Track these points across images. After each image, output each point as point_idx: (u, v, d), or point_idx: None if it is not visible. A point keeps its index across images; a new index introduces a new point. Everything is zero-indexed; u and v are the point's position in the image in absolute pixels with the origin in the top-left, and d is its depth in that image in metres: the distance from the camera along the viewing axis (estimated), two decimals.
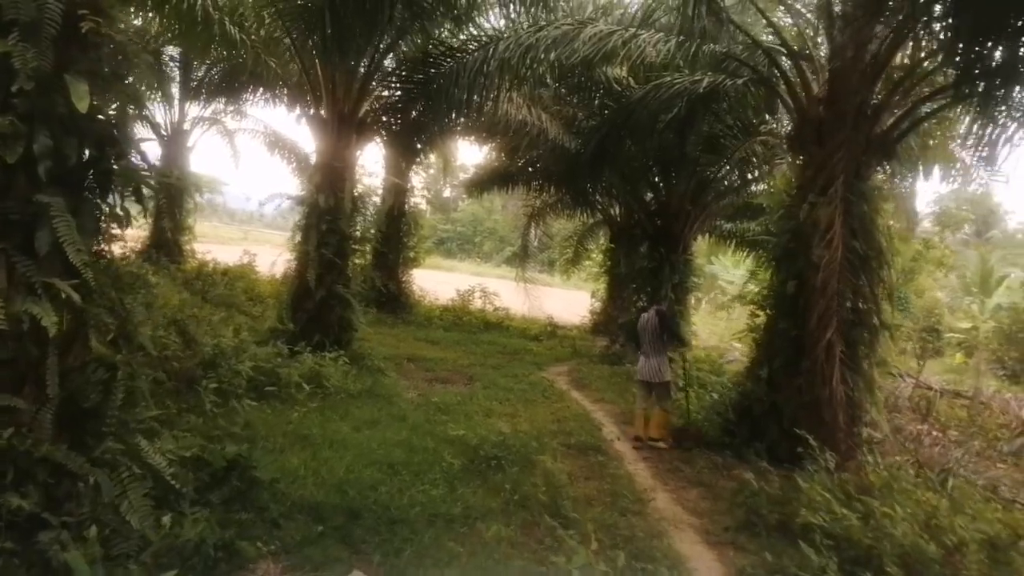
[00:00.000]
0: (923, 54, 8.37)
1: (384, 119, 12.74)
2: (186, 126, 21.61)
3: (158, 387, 7.24)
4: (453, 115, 11.97)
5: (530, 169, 20.66)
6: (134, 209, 5.45)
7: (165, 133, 21.38)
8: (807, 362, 8.14)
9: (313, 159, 13.11)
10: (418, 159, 20.89)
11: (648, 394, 9.51)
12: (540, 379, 13.39)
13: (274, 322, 12.32)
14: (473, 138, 20.66)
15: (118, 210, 5.24)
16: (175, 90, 21.12)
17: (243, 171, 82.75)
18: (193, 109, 21.59)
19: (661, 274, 15.81)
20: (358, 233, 12.74)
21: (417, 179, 21.33)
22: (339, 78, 12.08)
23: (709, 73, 10.65)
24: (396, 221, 20.24)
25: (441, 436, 8.35)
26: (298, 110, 13.71)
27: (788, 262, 8.49)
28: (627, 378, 13.45)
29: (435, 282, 27.88)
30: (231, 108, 22.16)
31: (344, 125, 12.26)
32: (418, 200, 21.45)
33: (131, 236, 19.53)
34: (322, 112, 12.35)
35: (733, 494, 7.01)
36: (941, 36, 7.31)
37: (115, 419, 4.73)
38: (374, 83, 12.61)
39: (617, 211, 21.42)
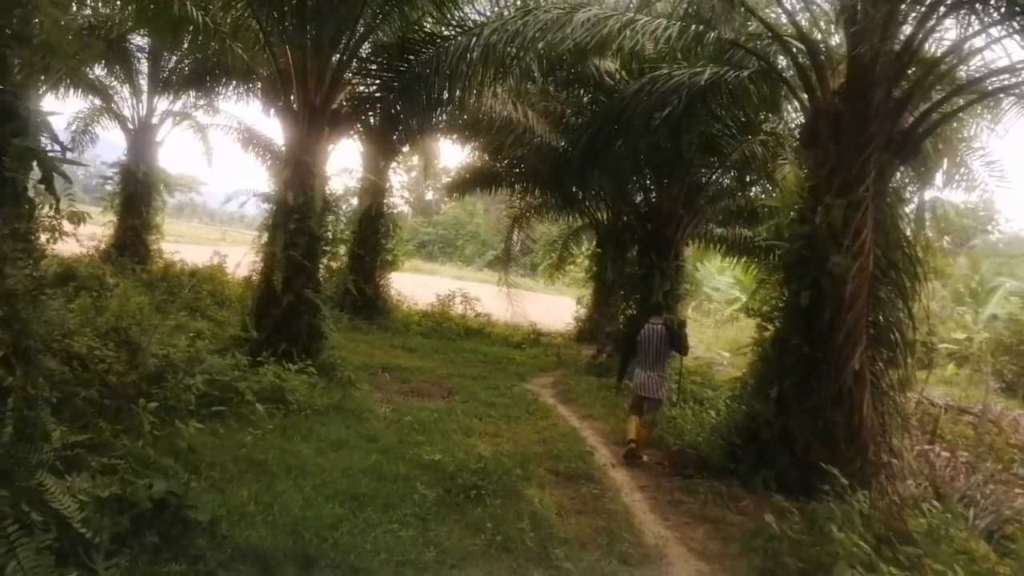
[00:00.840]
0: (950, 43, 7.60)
1: (359, 111, 11.80)
2: (154, 120, 20.56)
3: (90, 406, 6.32)
4: (433, 107, 11.06)
5: (515, 170, 19.85)
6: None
7: (132, 127, 20.35)
8: (828, 384, 7.36)
9: (283, 154, 12.21)
10: (397, 157, 20.00)
11: (641, 408, 9.01)
12: (524, 392, 12.52)
13: (237, 329, 11.40)
14: (455, 136, 19.76)
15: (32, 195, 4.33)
16: (143, 82, 20.10)
17: (223, 170, 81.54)
18: (163, 103, 20.60)
19: (651, 281, 14.99)
20: (329, 233, 11.82)
21: (396, 178, 20.40)
22: (311, 66, 11.18)
23: (711, 65, 9.85)
24: (373, 222, 19.27)
25: (415, 460, 7.48)
26: (268, 102, 12.74)
27: (801, 270, 7.67)
28: (616, 392, 12.62)
29: (415, 285, 26.97)
30: (203, 102, 21.19)
31: (315, 117, 11.35)
32: (397, 200, 20.46)
33: (96, 235, 18.57)
34: (292, 103, 11.45)
35: (746, 534, 6.17)
36: None
37: (4, 456, 3.82)
38: (350, 73, 11.72)
39: (604, 214, 20.65)
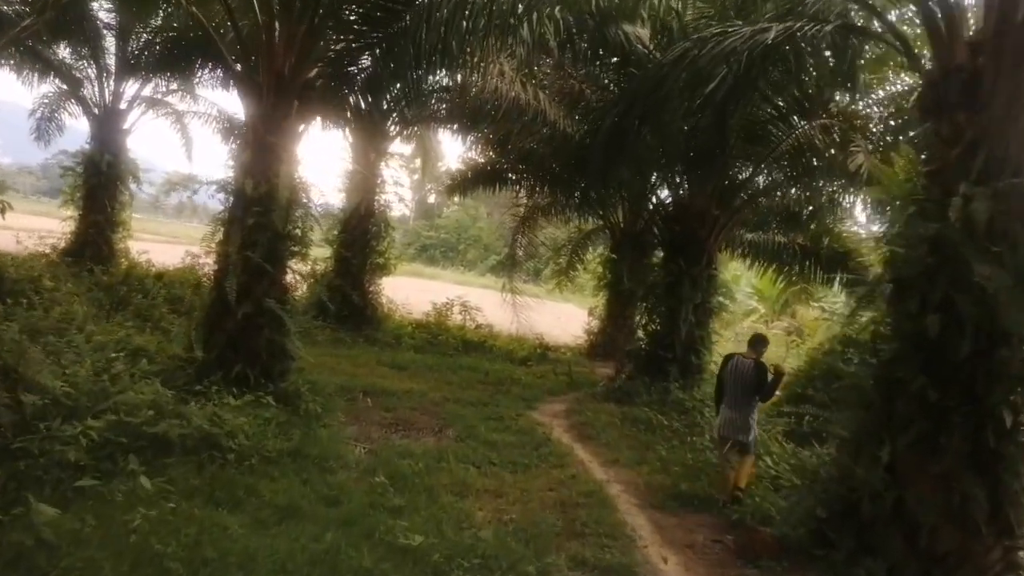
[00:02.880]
0: None
1: (336, 79, 9.71)
2: (122, 105, 18.42)
3: None
4: (423, 67, 8.96)
5: (521, 166, 17.76)
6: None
7: (97, 111, 18.23)
8: (963, 442, 5.24)
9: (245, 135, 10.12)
10: (388, 146, 17.82)
11: (727, 450, 7.75)
12: (532, 425, 10.38)
13: (183, 347, 9.36)
14: (455, 127, 17.69)
15: None
16: (111, 62, 18.01)
17: (213, 165, 79.27)
18: (133, 87, 18.46)
19: (680, 291, 12.89)
20: (298, 231, 9.69)
21: (390, 173, 18.25)
22: (280, 29, 9.14)
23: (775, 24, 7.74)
24: (363, 221, 17.12)
25: (386, 543, 5.38)
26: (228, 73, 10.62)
27: (925, 286, 5.53)
28: (643, 426, 10.50)
29: (414, 291, 24.92)
30: (177, 87, 19.11)
31: (283, 89, 9.26)
32: (390, 197, 18.33)
33: (55, 230, 16.42)
34: (254, 72, 9.37)
35: None
36: None
37: None
38: (329, 32, 9.62)
39: (621, 215, 18.54)
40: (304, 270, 10.72)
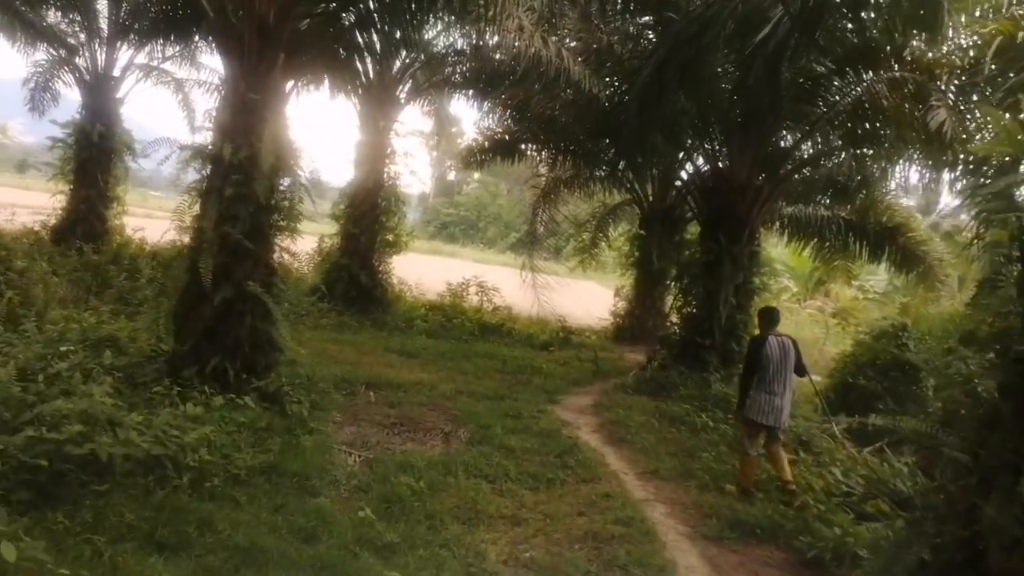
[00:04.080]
0: None
1: (328, 23, 8.38)
2: (116, 72, 17.16)
3: None
4: (424, 14, 7.64)
5: (542, 136, 16.32)
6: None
7: (88, 79, 16.99)
8: None
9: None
10: (396, 110, 16.34)
11: (759, 439, 7.23)
12: (555, 424, 9.09)
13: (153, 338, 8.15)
14: (471, 92, 16.30)
15: None
16: (103, 25, 16.75)
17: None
18: (127, 53, 17.19)
19: (719, 271, 11.54)
20: (286, 202, 8.41)
21: (400, 143, 16.78)
22: None
23: None
24: (371, 195, 15.80)
25: None
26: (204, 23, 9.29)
27: None
28: (683, 426, 9.20)
29: (432, 269, 23.71)
30: (176, 52, 17.83)
31: (266, 38, 7.99)
32: (400, 169, 16.89)
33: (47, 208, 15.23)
34: (233, 17, 8.07)
35: None
36: None
37: None
38: None
39: (651, 188, 17.13)
40: (296, 249, 9.48)
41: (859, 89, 9.43)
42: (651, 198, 17.52)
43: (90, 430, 5.01)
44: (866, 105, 9.52)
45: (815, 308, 25.65)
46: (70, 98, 19.01)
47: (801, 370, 7.39)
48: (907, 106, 8.57)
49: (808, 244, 16.49)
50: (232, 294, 7.86)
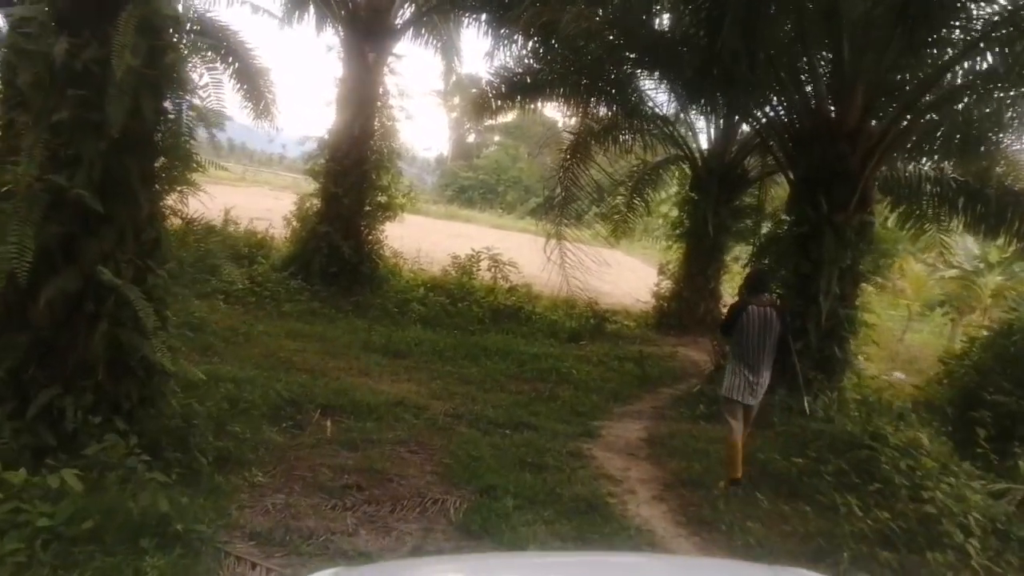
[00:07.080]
0: None
1: None
2: None
3: None
4: None
5: (572, 72, 12.96)
6: None
7: None
8: None
9: None
10: (390, 40, 13.04)
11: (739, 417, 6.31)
12: (596, 484, 5.99)
13: None
14: (483, 16, 12.94)
15: None
16: None
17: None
18: None
19: (818, 248, 8.40)
20: (168, 138, 5.23)
21: (394, 82, 13.46)
22: None
23: None
24: (358, 146, 12.59)
25: None
26: None
27: None
28: (798, 496, 6.03)
29: (444, 236, 20.75)
30: None
31: None
32: (396, 115, 13.63)
33: None
34: None
35: None
36: None
37: None
38: None
39: (708, 137, 13.89)
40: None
41: None
42: (704, 153, 14.23)
43: None
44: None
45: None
46: None
47: (786, 345, 6.52)
48: None
49: (896, 210, 13.17)
50: (74, 286, 4.78)
